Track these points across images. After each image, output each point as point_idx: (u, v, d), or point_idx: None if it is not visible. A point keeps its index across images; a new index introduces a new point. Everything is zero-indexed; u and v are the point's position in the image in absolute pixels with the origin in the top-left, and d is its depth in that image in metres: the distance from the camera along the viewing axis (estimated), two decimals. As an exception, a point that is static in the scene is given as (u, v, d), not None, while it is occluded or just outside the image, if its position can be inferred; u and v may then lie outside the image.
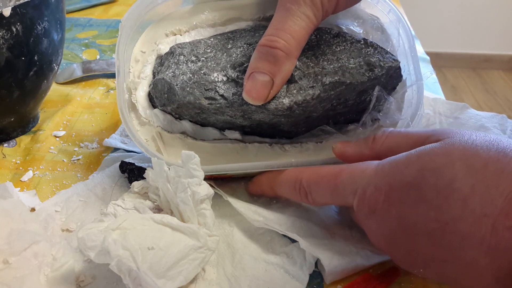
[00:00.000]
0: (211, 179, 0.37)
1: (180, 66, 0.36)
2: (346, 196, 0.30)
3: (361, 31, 0.39)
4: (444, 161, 0.25)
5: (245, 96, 0.33)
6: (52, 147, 0.45)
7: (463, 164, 0.25)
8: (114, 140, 0.45)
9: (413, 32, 0.39)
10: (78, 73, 0.58)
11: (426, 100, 0.46)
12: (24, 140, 0.47)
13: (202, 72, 0.35)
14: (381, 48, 0.35)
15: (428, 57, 0.62)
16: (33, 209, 0.37)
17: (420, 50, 0.64)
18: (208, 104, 0.34)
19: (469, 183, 0.24)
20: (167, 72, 0.36)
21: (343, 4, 0.35)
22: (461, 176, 0.24)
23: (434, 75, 0.54)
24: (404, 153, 0.28)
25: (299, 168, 0.34)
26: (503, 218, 0.23)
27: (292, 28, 0.32)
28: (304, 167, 0.34)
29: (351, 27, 0.39)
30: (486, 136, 0.26)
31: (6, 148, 0.46)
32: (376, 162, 0.30)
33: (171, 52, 0.37)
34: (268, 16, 0.40)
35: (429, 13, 2.20)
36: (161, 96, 0.36)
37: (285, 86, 0.34)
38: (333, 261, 0.31)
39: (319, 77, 0.34)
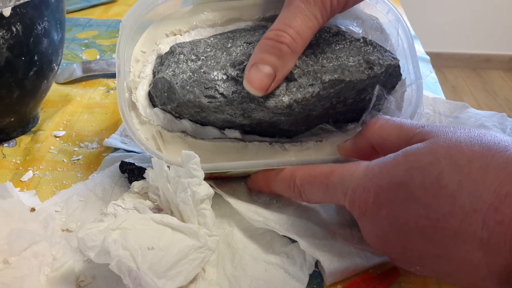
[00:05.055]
0: (211, 179, 0.37)
1: (180, 65, 0.36)
2: (337, 196, 0.31)
3: (360, 31, 0.39)
4: (429, 160, 0.26)
5: (246, 85, 0.32)
6: (52, 147, 0.45)
7: (448, 161, 0.25)
8: (114, 140, 0.45)
9: (412, 32, 0.39)
10: (78, 73, 0.58)
11: (426, 100, 0.46)
12: (24, 140, 0.47)
13: (202, 70, 0.35)
14: (380, 46, 0.35)
15: (428, 57, 0.62)
16: (33, 209, 0.37)
17: (420, 50, 0.64)
18: (208, 102, 0.34)
19: (455, 180, 0.24)
20: (167, 71, 0.36)
21: (351, 3, 0.35)
22: (447, 173, 0.25)
23: (434, 75, 0.54)
24: (391, 155, 0.28)
25: (293, 166, 0.34)
26: (493, 212, 0.23)
27: (300, 27, 0.32)
28: (298, 166, 0.34)
29: (350, 27, 0.39)
30: (470, 132, 0.26)
31: (6, 148, 0.46)
32: (365, 163, 0.30)
33: (171, 51, 0.38)
34: (268, 16, 0.40)
35: (429, 13, 2.20)
36: (161, 95, 0.36)
37: (284, 84, 0.34)
38: (333, 263, 0.31)
39: (319, 75, 0.34)
